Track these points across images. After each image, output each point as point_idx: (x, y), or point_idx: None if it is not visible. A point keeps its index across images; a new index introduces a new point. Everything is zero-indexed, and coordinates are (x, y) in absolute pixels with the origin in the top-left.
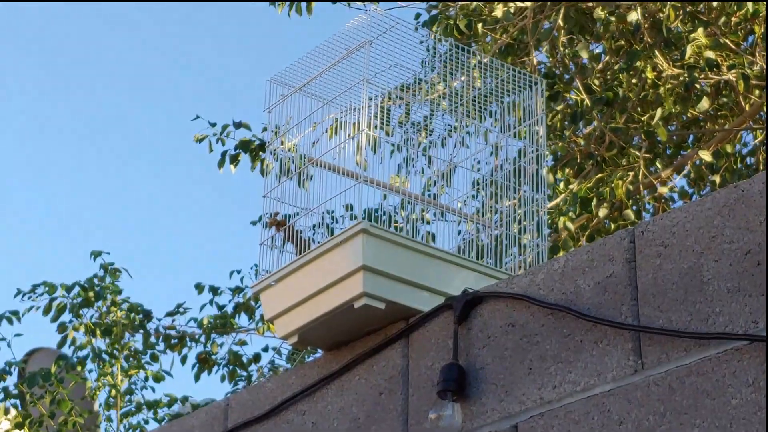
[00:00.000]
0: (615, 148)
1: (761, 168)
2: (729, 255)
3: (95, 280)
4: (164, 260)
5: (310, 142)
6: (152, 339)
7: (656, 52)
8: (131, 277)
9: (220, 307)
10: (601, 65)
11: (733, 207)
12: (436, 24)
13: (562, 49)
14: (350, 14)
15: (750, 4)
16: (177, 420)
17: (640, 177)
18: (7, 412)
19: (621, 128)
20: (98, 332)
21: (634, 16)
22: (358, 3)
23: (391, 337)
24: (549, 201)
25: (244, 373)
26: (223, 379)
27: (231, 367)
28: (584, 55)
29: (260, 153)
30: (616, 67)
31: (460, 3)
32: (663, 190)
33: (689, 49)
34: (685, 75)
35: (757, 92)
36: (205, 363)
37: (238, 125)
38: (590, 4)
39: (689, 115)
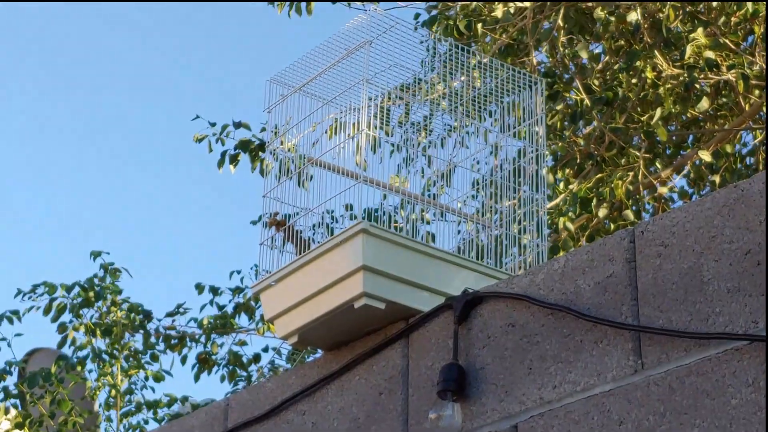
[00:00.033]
0: (615, 148)
1: (761, 168)
2: (729, 255)
3: (95, 280)
4: (164, 260)
5: (310, 142)
6: (152, 339)
7: (656, 52)
8: (131, 277)
9: (221, 308)
10: (600, 65)
11: (733, 207)
12: (435, 24)
13: (561, 49)
14: (350, 14)
15: (750, 4)
16: (177, 420)
17: (639, 177)
18: (7, 412)
19: (621, 128)
20: (98, 332)
21: (633, 16)
22: (358, 3)
23: (391, 337)
24: (549, 201)
25: (244, 374)
26: (223, 379)
27: (231, 367)
28: (584, 55)
29: (260, 153)
30: (615, 67)
31: (460, 3)
32: (663, 190)
33: (689, 49)
34: (685, 75)
35: (756, 92)
36: (205, 363)
37: (237, 125)
38: (590, 4)
39: (689, 115)
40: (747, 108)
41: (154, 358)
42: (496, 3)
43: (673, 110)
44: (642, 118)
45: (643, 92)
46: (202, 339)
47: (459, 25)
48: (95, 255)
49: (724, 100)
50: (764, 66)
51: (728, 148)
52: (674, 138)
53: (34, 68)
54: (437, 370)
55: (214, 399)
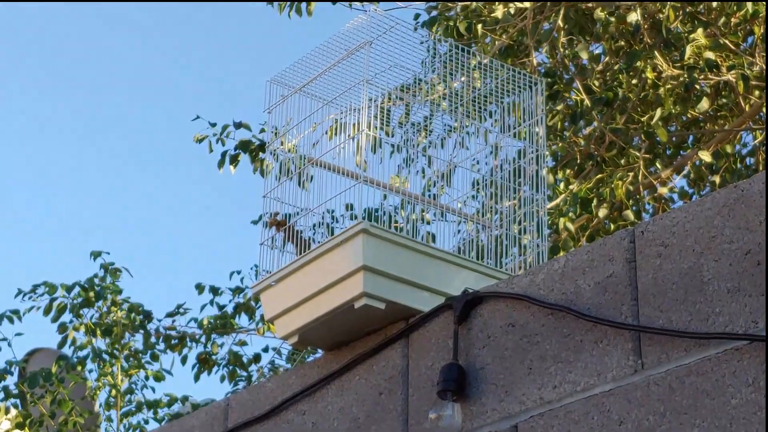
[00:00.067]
0: (615, 149)
1: (761, 168)
2: (729, 255)
3: (95, 280)
4: (164, 260)
5: (310, 143)
6: (152, 339)
7: (656, 52)
8: (131, 277)
9: (221, 308)
10: (600, 66)
11: (733, 207)
12: (435, 25)
13: (561, 49)
14: (350, 15)
15: (750, 5)
16: (177, 420)
17: (639, 177)
18: (7, 411)
19: (621, 129)
20: (98, 332)
21: (633, 17)
22: (358, 4)
23: (391, 337)
24: (549, 201)
25: (244, 374)
26: (223, 379)
27: (231, 367)
28: (584, 55)
29: (260, 153)
30: (615, 68)
31: (460, 3)
32: (663, 191)
33: (689, 50)
34: (685, 75)
35: (756, 93)
36: (205, 363)
37: (238, 125)
38: (590, 4)
39: (689, 115)
40: (747, 108)
41: (155, 358)
42: (496, 4)
43: (673, 111)
44: (642, 119)
45: (644, 93)
46: (203, 339)
47: (459, 27)
48: (95, 255)
49: (724, 100)
50: (764, 66)
51: (728, 149)
52: (674, 138)
53: (34, 68)
54: (437, 370)
55: (214, 399)
